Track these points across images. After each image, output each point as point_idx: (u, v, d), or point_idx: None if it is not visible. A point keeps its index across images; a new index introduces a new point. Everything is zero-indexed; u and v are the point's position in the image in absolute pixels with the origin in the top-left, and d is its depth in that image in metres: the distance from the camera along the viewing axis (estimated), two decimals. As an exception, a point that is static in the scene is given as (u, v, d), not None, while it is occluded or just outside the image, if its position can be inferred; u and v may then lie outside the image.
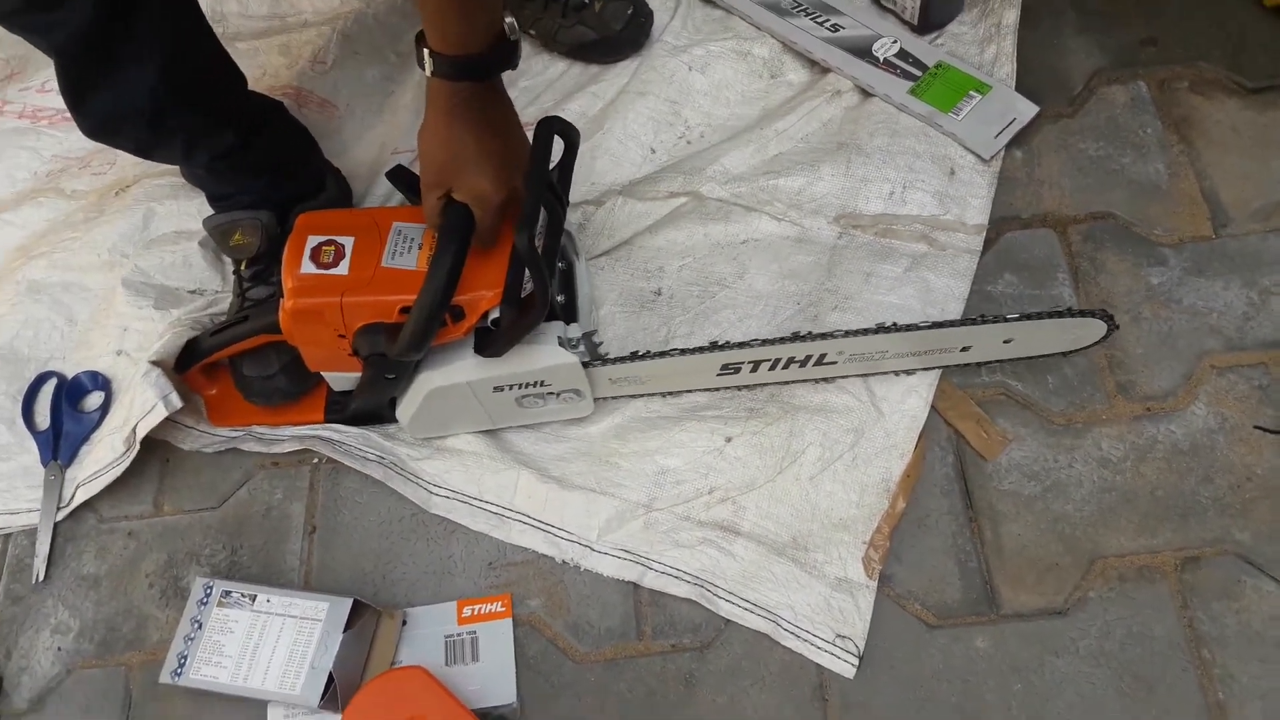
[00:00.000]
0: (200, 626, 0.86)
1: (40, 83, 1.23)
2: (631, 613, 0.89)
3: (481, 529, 0.93)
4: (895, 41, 1.15)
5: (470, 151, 0.80)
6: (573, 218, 1.07)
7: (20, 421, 1.00)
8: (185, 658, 0.85)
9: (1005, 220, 1.06)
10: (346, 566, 0.92)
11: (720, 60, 1.17)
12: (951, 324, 0.88)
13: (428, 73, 0.77)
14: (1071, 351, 0.93)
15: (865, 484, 0.92)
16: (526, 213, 0.78)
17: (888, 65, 1.13)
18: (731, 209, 1.06)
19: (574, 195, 1.08)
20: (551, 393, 0.91)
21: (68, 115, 1.17)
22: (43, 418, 1.01)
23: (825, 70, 1.15)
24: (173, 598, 0.92)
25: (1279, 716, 0.81)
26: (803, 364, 0.91)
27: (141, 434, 0.92)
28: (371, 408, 0.94)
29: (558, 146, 0.88)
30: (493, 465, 0.94)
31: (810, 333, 0.89)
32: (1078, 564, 0.88)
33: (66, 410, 1.00)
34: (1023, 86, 1.12)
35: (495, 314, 0.83)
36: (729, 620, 0.88)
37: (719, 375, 0.92)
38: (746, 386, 0.96)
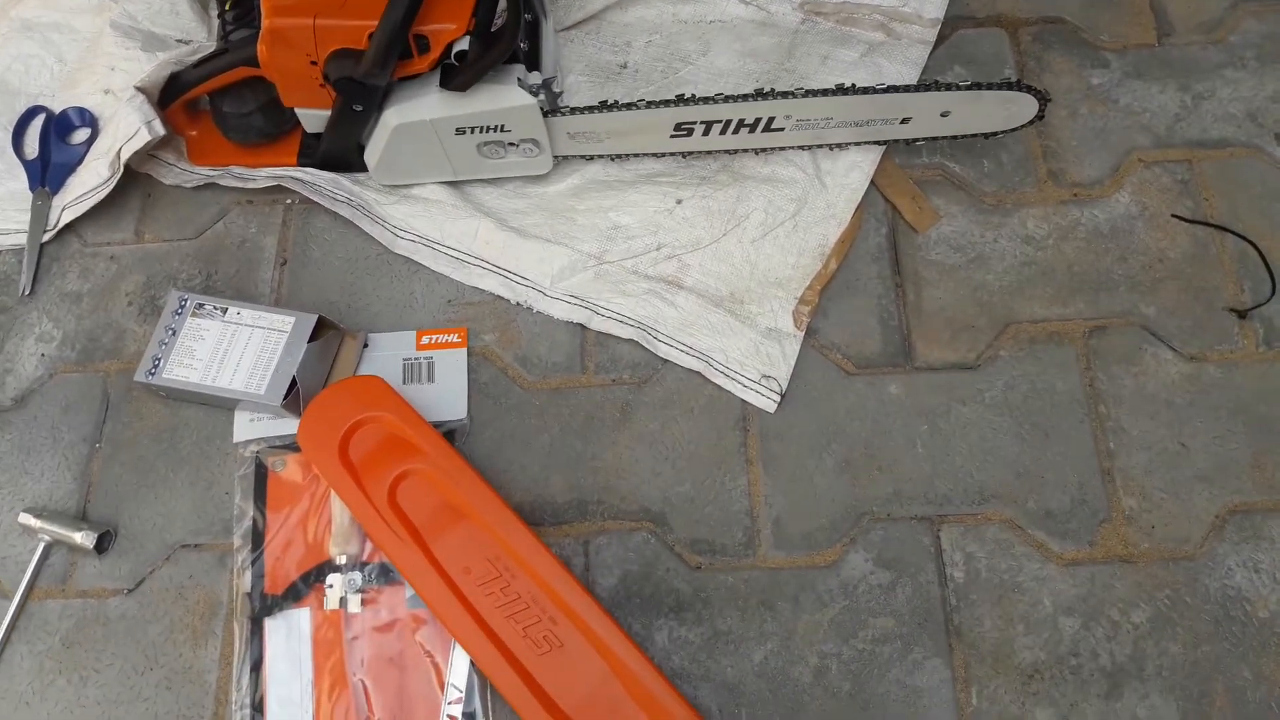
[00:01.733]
0: (174, 334, 0.93)
1: None
2: (578, 350, 0.96)
3: (442, 270, 0.99)
4: None
5: None
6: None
7: (10, 150, 1.05)
8: (159, 360, 0.92)
9: (960, 19, 1.10)
10: (314, 295, 0.98)
11: None
12: (891, 89, 0.93)
13: None
14: (1005, 131, 0.98)
15: (803, 248, 0.98)
16: None
17: None
18: (696, -10, 1.10)
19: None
20: (511, 142, 0.96)
21: None
22: (31, 148, 1.05)
23: None
24: (149, 315, 0.98)
25: (1160, 466, 0.89)
26: (752, 128, 0.96)
27: (125, 156, 0.97)
28: (340, 150, 0.99)
29: None
30: (455, 213, 1.00)
31: (759, 91, 0.94)
32: (992, 326, 0.95)
33: (55, 142, 1.05)
34: (993, -106, 1.14)
35: (461, 46, 0.88)
36: (665, 361, 0.95)
37: (673, 136, 0.97)
38: (698, 153, 1.01)
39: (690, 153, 1.01)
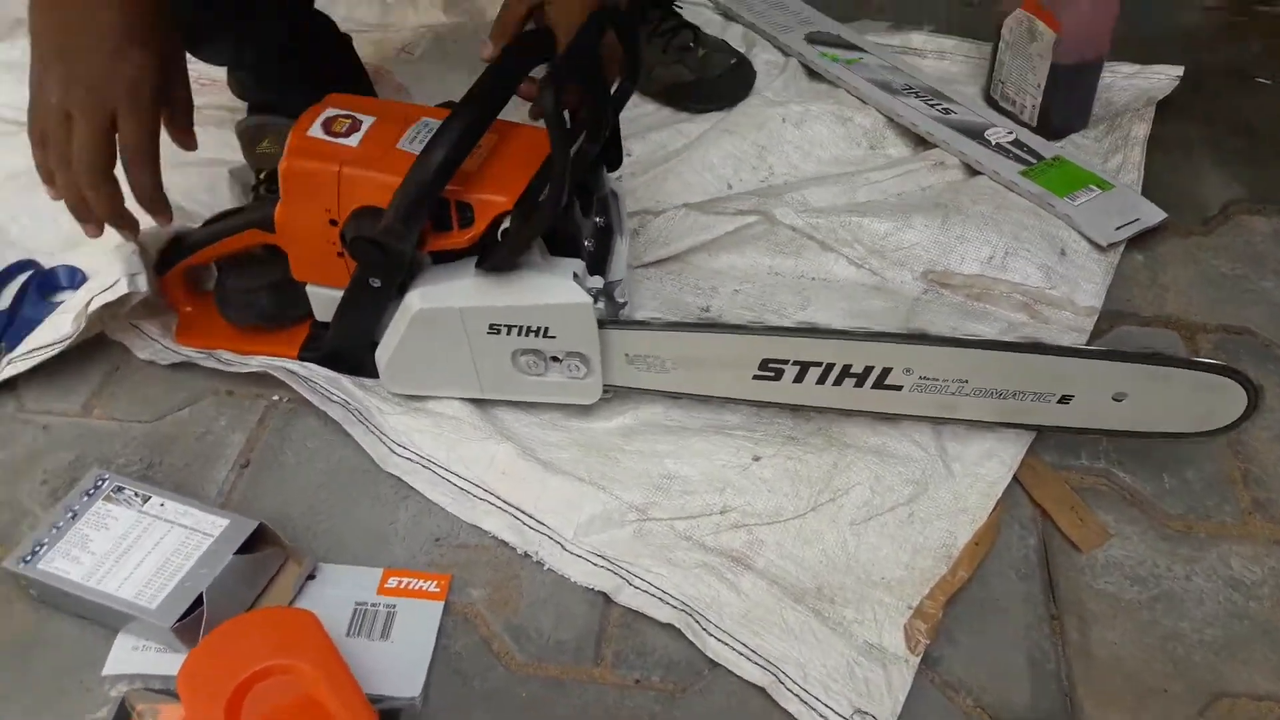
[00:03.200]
0: (74, 517, 0.69)
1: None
2: (595, 629, 0.69)
3: (439, 499, 0.76)
4: (1010, 131, 1.07)
5: None
6: (628, 220, 0.97)
7: (-20, 295, 0.90)
8: (41, 546, 0.68)
9: (1120, 314, 0.91)
10: (271, 507, 0.75)
11: (818, 120, 1.10)
12: (1050, 349, 0.72)
13: None
14: (1196, 435, 0.75)
15: (920, 545, 0.73)
16: (561, 63, 0.68)
17: (1000, 149, 1.04)
18: (805, 243, 0.94)
19: (631, 205, 0.99)
20: (555, 356, 0.76)
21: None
22: (4, 300, 0.90)
23: (930, 147, 1.06)
24: (62, 498, 0.75)
25: None
26: (859, 381, 0.75)
27: (94, 307, 0.80)
28: (350, 344, 0.81)
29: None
30: (471, 433, 0.79)
31: (873, 331, 0.74)
32: (1194, 696, 0.65)
33: (32, 298, 0.89)
34: (1148, 197, 1.01)
35: (507, 225, 0.72)
36: (716, 663, 0.67)
37: (757, 377, 0.76)
38: (788, 407, 0.79)
39: (775, 404, 0.79)
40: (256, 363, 0.83)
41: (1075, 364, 0.72)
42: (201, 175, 0.99)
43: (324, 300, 0.80)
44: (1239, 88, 1.19)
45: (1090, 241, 0.95)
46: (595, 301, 0.74)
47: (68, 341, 0.82)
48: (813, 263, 0.94)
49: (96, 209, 0.76)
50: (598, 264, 0.81)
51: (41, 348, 0.82)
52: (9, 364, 0.83)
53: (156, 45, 0.72)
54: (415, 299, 0.75)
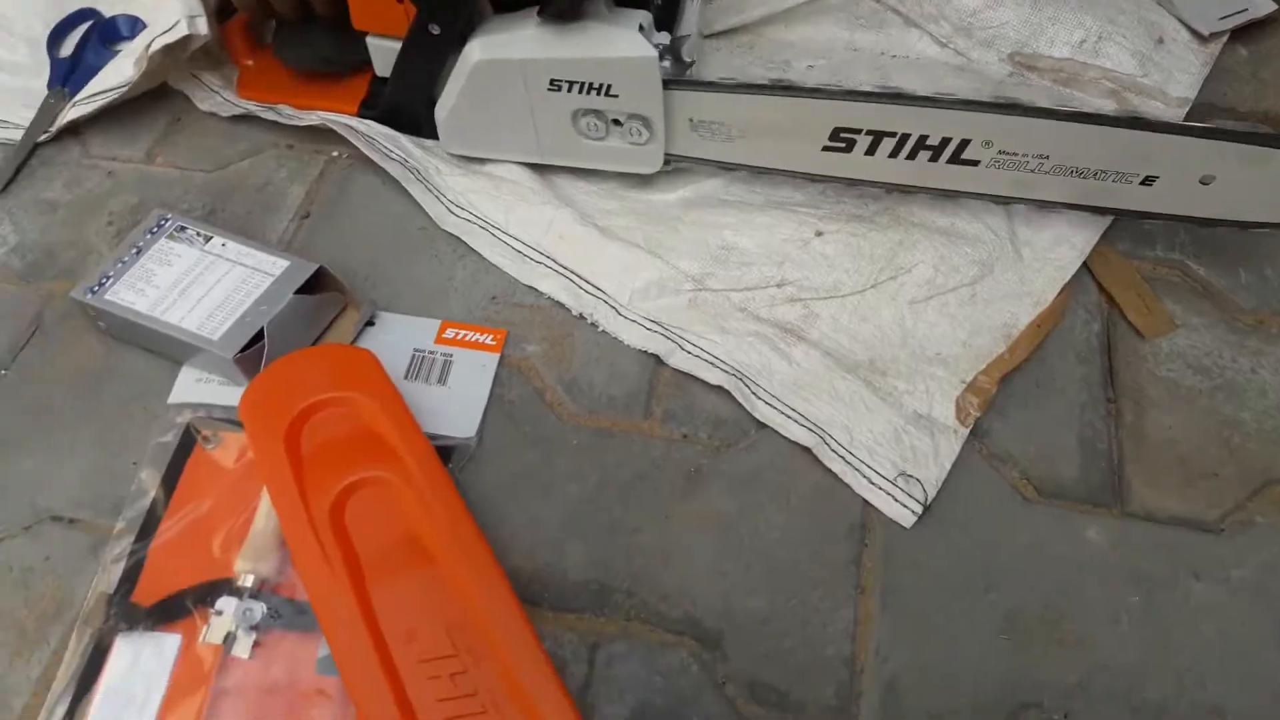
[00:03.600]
0: (138, 253, 0.71)
1: None
2: (645, 387, 0.70)
3: (497, 260, 0.76)
4: (1120, -86, 0.98)
5: None
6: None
7: (43, 46, 0.89)
8: (108, 278, 0.69)
9: (1215, 109, 0.86)
10: (331, 256, 0.75)
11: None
12: (1139, 123, 0.68)
13: None
14: None
15: (981, 324, 0.71)
16: None
17: (1106, -69, 0.96)
18: (888, 16, 0.89)
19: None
20: (616, 118, 0.74)
21: None
22: (68, 48, 0.89)
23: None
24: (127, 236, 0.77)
25: None
26: (935, 154, 0.71)
27: (155, 49, 0.79)
28: (409, 100, 0.79)
29: None
30: (530, 196, 0.78)
31: (952, 98, 0.70)
32: (1245, 480, 0.65)
33: (95, 46, 0.89)
34: (1264, -6, 0.93)
35: None
36: (763, 425, 0.67)
37: (826, 149, 0.73)
38: (858, 182, 0.76)
39: (845, 180, 0.76)
40: (316, 117, 0.82)
41: (1163, 140, 0.68)
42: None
43: (383, 52, 0.78)
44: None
45: (1191, 30, 0.88)
46: (661, 59, 0.71)
47: (129, 85, 0.81)
48: (894, 39, 0.89)
49: None
50: (666, 19, 0.77)
51: (104, 91, 0.82)
52: (73, 107, 0.83)
53: None
54: (475, 49, 0.73)
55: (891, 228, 0.76)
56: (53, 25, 0.91)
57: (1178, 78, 0.86)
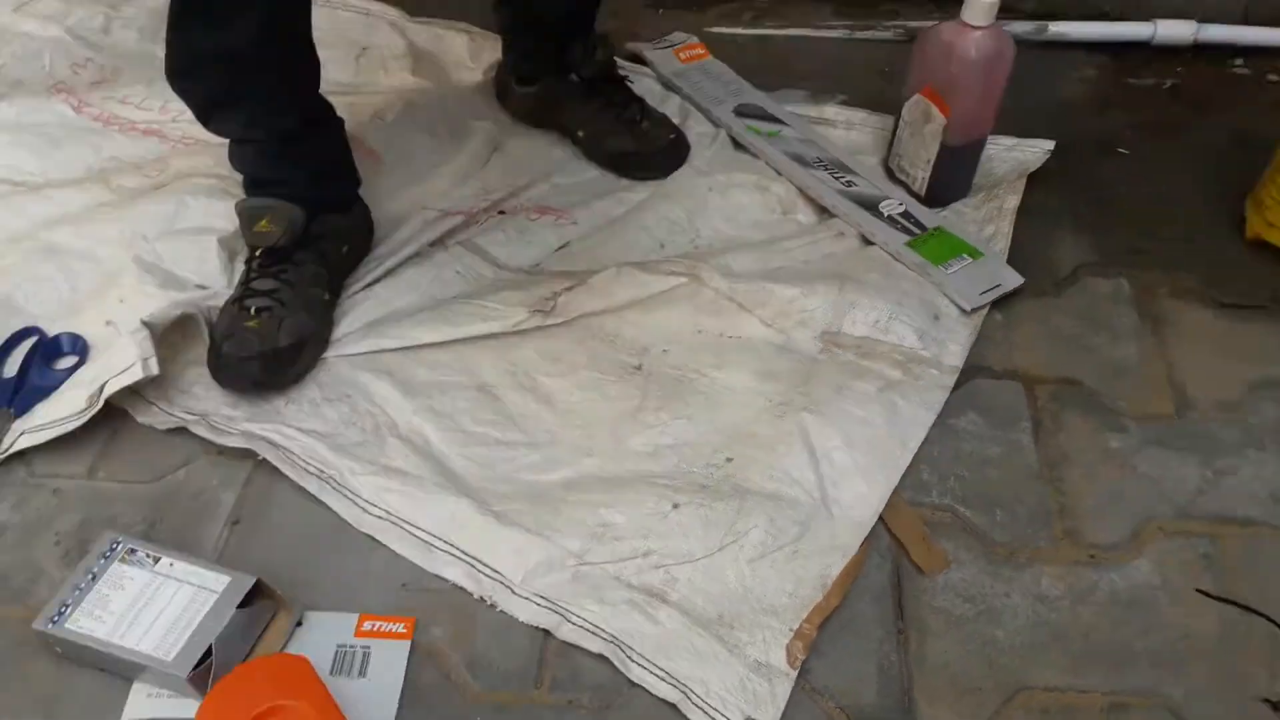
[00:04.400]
0: (94, 579, 0.83)
1: (123, 95, 1.33)
2: (535, 660, 0.85)
3: (406, 553, 0.90)
4: (900, 204, 1.22)
5: None
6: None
7: (-12, 364, 1.01)
8: (66, 607, 0.81)
9: (977, 369, 1.09)
10: (259, 561, 0.88)
11: (740, 189, 1.25)
12: None
13: None
14: None
15: (802, 577, 0.90)
16: None
17: (891, 220, 1.20)
18: (725, 304, 1.10)
19: (576, 264, 1.14)
20: None
21: (135, 125, 1.28)
22: (11, 367, 1.01)
23: (833, 216, 1.22)
24: (75, 559, 0.88)
25: None
26: None
27: (110, 391, 0.93)
28: None
29: None
30: (434, 490, 0.93)
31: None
32: (1000, 690, 0.84)
33: (37, 364, 1.01)
34: (1013, 263, 1.18)
35: None
36: (635, 684, 0.83)
37: None
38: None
39: None
40: (241, 431, 0.96)
41: None
42: (192, 243, 1.10)
43: None
44: (1102, 158, 1.36)
45: (958, 306, 1.12)
46: None
47: (83, 418, 0.94)
48: (731, 322, 1.10)
49: None
50: None
51: (56, 421, 0.95)
52: (24, 435, 0.95)
53: None
54: None
55: (731, 497, 0.94)
56: (-2, 342, 1.03)
57: (950, 348, 1.09)
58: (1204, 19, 1.53)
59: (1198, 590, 0.90)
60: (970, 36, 1.13)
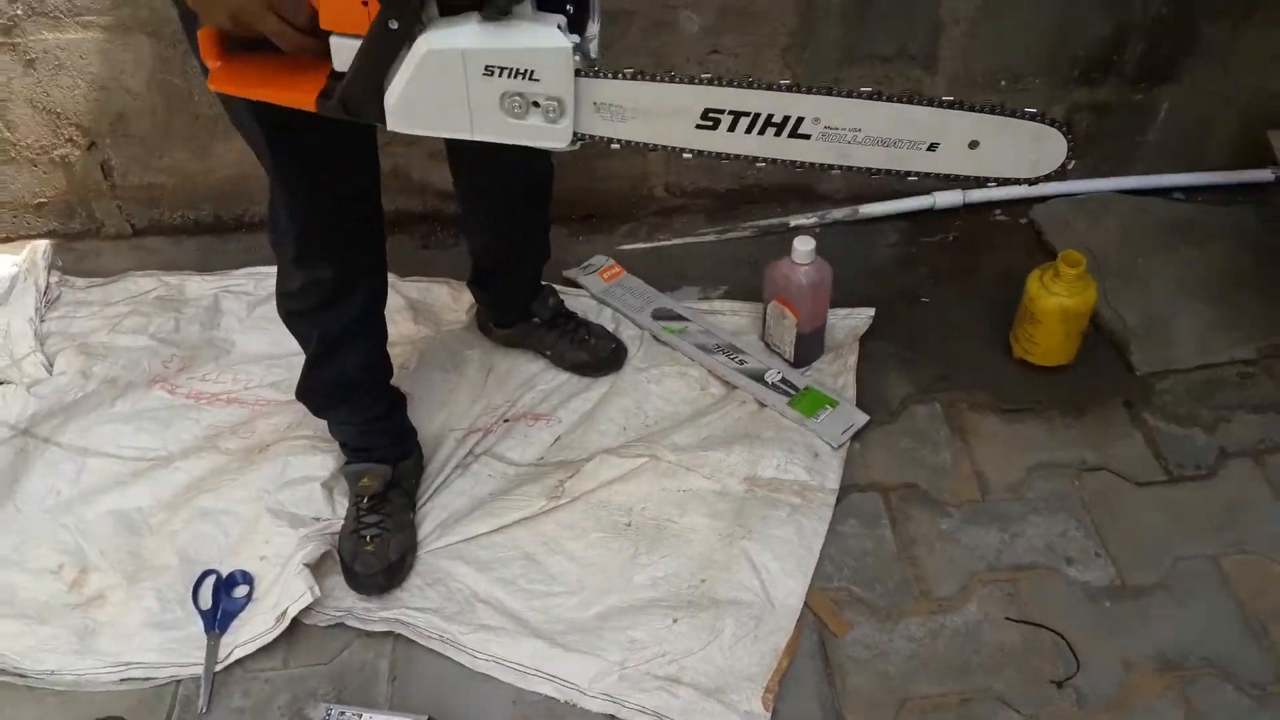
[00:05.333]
0: (324, 740, 1.29)
1: (202, 374, 1.78)
2: (608, 736, 1.35)
3: (510, 680, 1.39)
4: (779, 372, 1.78)
5: None
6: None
7: (190, 602, 1.45)
8: (307, 759, 1.27)
9: (849, 487, 1.63)
10: (419, 704, 1.36)
11: (668, 377, 1.79)
12: (920, 100, 0.96)
13: None
14: (1033, 180, 1.02)
15: (764, 651, 1.42)
16: None
17: (774, 387, 1.76)
18: (677, 469, 1.62)
19: (566, 454, 1.64)
20: (536, 100, 0.95)
21: (218, 397, 1.74)
22: (205, 601, 1.46)
23: (735, 388, 1.77)
24: (303, 730, 1.34)
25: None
26: (779, 130, 0.97)
27: (290, 615, 1.39)
28: (362, 91, 0.97)
29: None
30: (516, 635, 1.42)
31: (785, 81, 0.97)
32: (895, 703, 1.38)
33: (223, 596, 1.46)
34: (861, 403, 1.74)
35: None
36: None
37: (699, 126, 0.98)
38: (724, 156, 1.01)
39: (711, 154, 1.00)
40: (380, 617, 1.43)
41: (939, 114, 0.97)
42: (302, 490, 1.57)
43: (344, 50, 0.95)
44: (910, 307, 1.95)
45: (830, 445, 1.67)
46: (574, 53, 0.92)
47: (276, 632, 1.40)
48: (683, 481, 1.62)
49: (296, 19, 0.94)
50: (577, 24, 0.98)
51: (257, 636, 1.40)
52: (237, 649, 1.40)
53: None
54: (425, 42, 0.93)
55: (710, 606, 1.46)
56: (191, 585, 1.47)
57: (829, 476, 1.63)
58: (967, 185, 2.16)
59: (1006, 618, 1.46)
60: (800, 269, 1.70)
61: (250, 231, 2.05)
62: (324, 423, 1.56)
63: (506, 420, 1.74)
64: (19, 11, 1.71)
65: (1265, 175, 2.10)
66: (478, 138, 0.99)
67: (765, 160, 1.00)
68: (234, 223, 2.05)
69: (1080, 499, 1.61)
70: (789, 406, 1.72)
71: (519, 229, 1.65)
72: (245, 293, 1.91)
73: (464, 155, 1.50)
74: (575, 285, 1.99)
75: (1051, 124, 0.98)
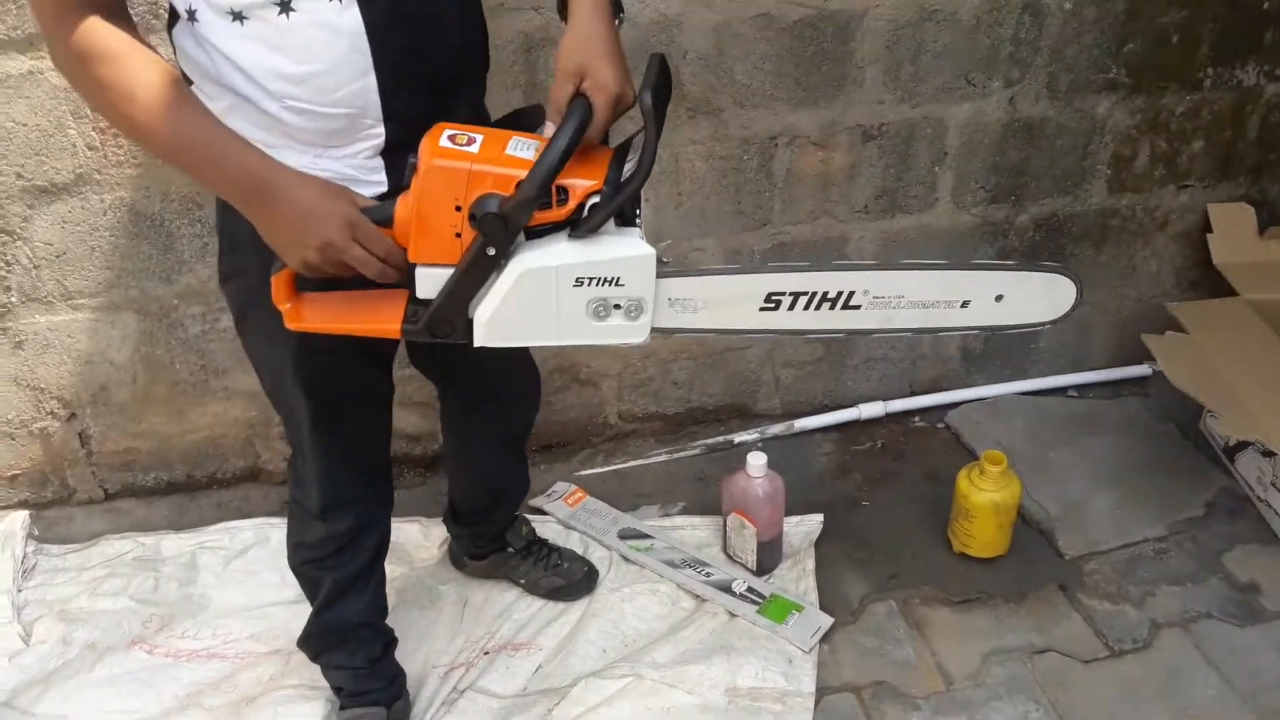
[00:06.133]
0: None
1: (181, 631, 1.79)
2: None
3: None
4: (744, 582, 1.89)
5: (606, 48, 1.01)
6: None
7: None
8: None
9: (823, 689, 1.72)
10: None
11: (640, 595, 1.87)
12: (948, 266, 1.11)
13: None
14: (1046, 323, 1.13)
15: None
16: (651, 78, 0.97)
17: (742, 596, 1.86)
18: (660, 686, 1.68)
19: (551, 683, 1.69)
20: (618, 303, 1.04)
21: (198, 654, 1.75)
22: None
23: (705, 600, 1.86)
24: None
25: None
26: (834, 304, 1.07)
27: None
28: (449, 314, 1.03)
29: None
30: None
31: (836, 262, 1.20)
32: None
33: None
34: (824, 605, 1.85)
35: (594, 200, 1.00)
36: None
37: (762, 309, 1.08)
38: (787, 332, 1.11)
39: (779, 331, 1.10)
40: None
41: (966, 275, 1.09)
42: None
43: (430, 279, 1.03)
44: (853, 512, 2.10)
45: (801, 649, 1.76)
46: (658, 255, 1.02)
47: None
48: (668, 698, 1.67)
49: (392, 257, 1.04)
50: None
51: None
52: None
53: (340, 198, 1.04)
54: (521, 263, 1.02)
55: None
56: None
57: (805, 680, 1.71)
58: (887, 397, 2.38)
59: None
60: (756, 481, 1.86)
61: (222, 488, 2.11)
62: (310, 670, 1.59)
63: (487, 652, 1.79)
64: (13, 299, 1.83)
65: (1144, 370, 2.39)
66: (564, 343, 1.07)
67: (826, 332, 1.11)
68: (206, 480, 2.11)
69: (1035, 681, 1.72)
70: (759, 614, 1.82)
71: (503, 475, 1.76)
72: (221, 547, 1.95)
73: (454, 410, 1.64)
74: (542, 512, 2.09)
75: (1062, 273, 1.10)
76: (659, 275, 1.04)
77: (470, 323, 1.05)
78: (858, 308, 1.08)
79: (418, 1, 1.06)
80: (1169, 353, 1.99)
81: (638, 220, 1.04)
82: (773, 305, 1.07)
